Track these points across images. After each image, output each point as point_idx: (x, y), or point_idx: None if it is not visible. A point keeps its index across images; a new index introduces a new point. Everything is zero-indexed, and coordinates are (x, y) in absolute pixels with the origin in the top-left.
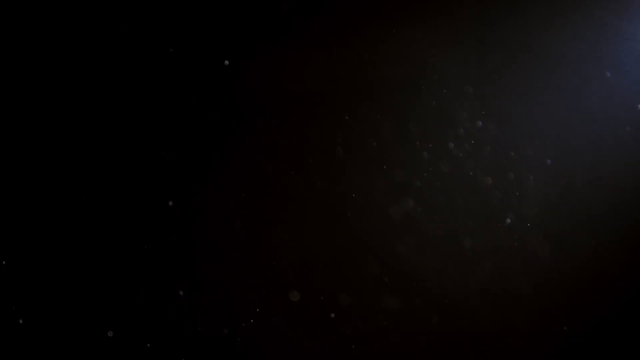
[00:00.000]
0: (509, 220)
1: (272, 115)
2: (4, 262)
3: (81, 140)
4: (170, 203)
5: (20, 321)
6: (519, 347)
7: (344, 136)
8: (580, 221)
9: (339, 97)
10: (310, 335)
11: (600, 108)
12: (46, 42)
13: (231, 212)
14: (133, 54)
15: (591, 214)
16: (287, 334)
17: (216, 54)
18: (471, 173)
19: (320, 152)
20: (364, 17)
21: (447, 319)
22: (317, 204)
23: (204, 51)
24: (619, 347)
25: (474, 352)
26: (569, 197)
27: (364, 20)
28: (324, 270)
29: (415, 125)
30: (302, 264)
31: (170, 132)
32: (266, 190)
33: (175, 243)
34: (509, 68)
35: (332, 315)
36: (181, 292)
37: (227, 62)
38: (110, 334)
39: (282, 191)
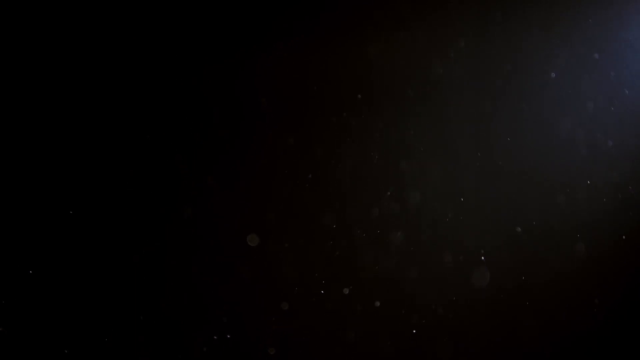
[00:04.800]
0: (509, 220)
1: (273, 115)
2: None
3: (83, 142)
4: (172, 204)
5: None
6: (519, 346)
7: (346, 137)
8: (580, 221)
9: (340, 97)
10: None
11: (601, 107)
12: (50, 44)
13: (232, 212)
14: (135, 55)
15: (589, 214)
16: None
17: (217, 55)
18: (470, 172)
19: (321, 153)
20: (363, 19)
21: (447, 320)
22: (317, 204)
23: (206, 52)
24: (619, 347)
25: (476, 351)
26: (566, 196)
27: (364, 22)
28: (323, 271)
29: (415, 125)
30: (301, 264)
31: (171, 132)
32: (267, 190)
33: (175, 243)
34: (509, 67)
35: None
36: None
37: (228, 63)
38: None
39: (283, 191)
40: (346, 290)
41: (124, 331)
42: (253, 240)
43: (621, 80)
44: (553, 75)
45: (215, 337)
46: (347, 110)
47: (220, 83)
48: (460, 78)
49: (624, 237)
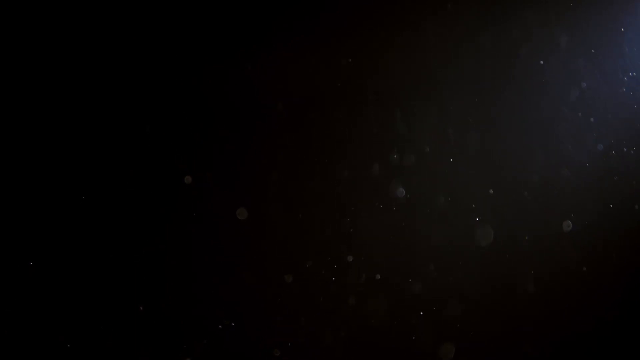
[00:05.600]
0: (509, 218)
1: (275, 115)
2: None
3: (84, 141)
4: (173, 200)
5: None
6: (519, 346)
7: (346, 136)
8: (577, 220)
9: (340, 98)
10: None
11: (600, 108)
12: (54, 44)
13: (233, 209)
14: (137, 56)
15: (586, 214)
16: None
17: (220, 55)
18: (469, 172)
19: (322, 151)
20: (363, 20)
21: (447, 318)
22: (318, 202)
23: (208, 52)
24: (619, 347)
25: (477, 350)
26: (564, 195)
27: (364, 22)
28: (327, 265)
29: (414, 124)
30: (300, 261)
31: (171, 131)
32: (268, 188)
33: (176, 240)
34: (507, 68)
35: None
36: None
37: (230, 63)
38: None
39: (284, 189)
40: (350, 258)
41: (125, 331)
42: (242, 214)
43: (620, 76)
44: (541, 62)
45: (220, 326)
46: (347, 109)
47: (220, 83)
48: (459, 75)
49: (610, 205)
